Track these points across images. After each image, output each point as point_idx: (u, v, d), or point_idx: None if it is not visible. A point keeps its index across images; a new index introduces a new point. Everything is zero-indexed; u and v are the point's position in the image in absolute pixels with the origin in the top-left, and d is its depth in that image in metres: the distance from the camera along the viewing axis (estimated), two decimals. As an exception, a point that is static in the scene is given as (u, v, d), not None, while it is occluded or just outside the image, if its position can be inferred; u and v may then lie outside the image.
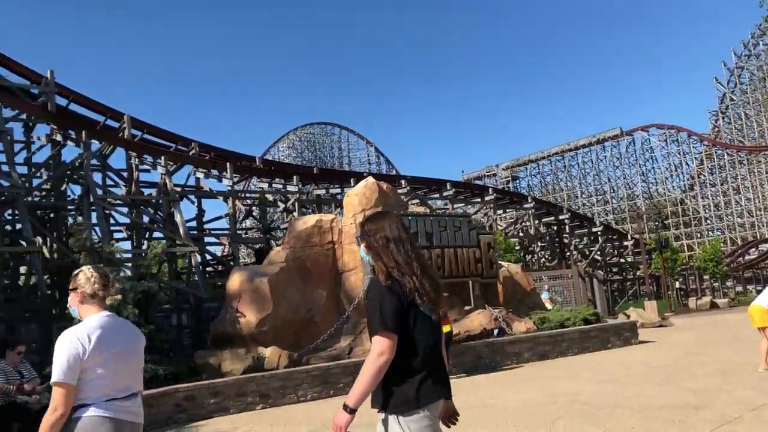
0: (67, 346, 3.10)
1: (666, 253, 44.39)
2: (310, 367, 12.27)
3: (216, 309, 18.76)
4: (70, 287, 3.44)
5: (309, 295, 15.01)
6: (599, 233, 53.24)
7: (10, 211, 26.30)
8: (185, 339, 21.71)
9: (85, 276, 3.41)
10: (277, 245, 18.74)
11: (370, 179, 16.82)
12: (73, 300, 3.40)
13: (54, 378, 3.03)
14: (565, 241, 50.90)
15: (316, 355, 13.93)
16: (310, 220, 16.01)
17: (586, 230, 53.73)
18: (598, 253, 54.10)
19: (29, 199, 28.23)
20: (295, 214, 30.18)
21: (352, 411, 2.81)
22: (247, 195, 35.39)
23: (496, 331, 15.53)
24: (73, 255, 13.68)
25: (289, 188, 32.06)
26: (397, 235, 3.01)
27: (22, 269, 27.52)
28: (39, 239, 27.15)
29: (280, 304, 14.21)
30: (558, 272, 28.02)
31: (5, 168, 23.55)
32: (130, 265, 20.97)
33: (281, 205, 32.99)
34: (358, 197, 16.24)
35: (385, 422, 2.88)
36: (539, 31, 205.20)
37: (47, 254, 27.14)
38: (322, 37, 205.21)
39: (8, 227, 27.28)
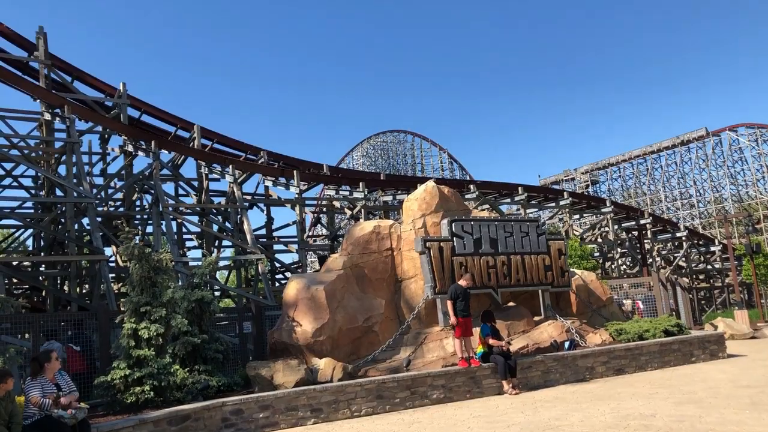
0: None
1: (758, 259, 41.40)
2: (364, 380, 11.69)
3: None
4: None
5: (367, 304, 14.48)
6: (684, 238, 50.47)
7: (87, 222, 27.12)
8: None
9: None
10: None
11: (431, 183, 16.14)
12: None
13: None
14: (647, 247, 48.47)
15: (374, 366, 13.36)
16: (368, 226, 15.48)
17: (669, 235, 51.07)
18: (683, 259, 51.29)
19: (105, 209, 29.13)
20: (362, 220, 29.80)
21: None
22: (315, 203, 35.33)
23: (567, 344, 14.51)
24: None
25: (356, 195, 31.73)
26: None
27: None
28: (113, 248, 27.93)
29: (336, 313, 13.74)
30: (638, 280, 26.43)
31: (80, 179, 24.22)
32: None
33: (348, 212, 32.73)
34: (418, 202, 15.63)
35: None
36: (617, 30, 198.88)
37: (121, 263, 27.81)
38: (394, 47, 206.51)
39: (88, 237, 28.14)
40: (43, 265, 27.60)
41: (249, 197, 32.36)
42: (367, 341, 14.10)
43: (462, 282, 13.38)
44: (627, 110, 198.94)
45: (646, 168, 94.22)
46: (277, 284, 32.41)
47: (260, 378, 11.67)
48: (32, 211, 28.51)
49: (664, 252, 53.68)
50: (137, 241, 11.11)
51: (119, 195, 30.68)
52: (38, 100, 26.06)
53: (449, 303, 12.98)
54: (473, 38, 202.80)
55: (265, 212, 33.70)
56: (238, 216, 28.40)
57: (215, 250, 30.33)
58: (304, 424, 10.68)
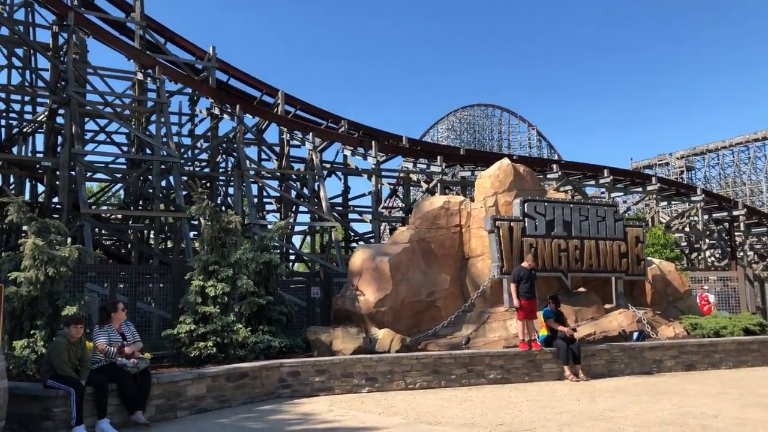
0: None
1: None
2: (421, 354, 11.72)
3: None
4: None
5: (432, 278, 14.43)
6: (781, 233, 47.54)
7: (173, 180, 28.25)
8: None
9: None
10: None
11: (505, 161, 15.82)
12: None
13: None
14: (739, 240, 45.98)
15: (434, 341, 13.36)
16: (437, 201, 15.37)
17: (765, 229, 48.21)
18: (779, 255, 48.37)
19: (191, 168, 30.20)
20: (438, 194, 29.65)
21: None
22: (392, 174, 35.31)
23: (636, 335, 14.03)
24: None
25: (434, 169, 31.54)
26: None
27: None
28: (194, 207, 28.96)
29: (400, 285, 13.77)
30: (723, 274, 25.07)
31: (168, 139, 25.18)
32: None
33: (424, 186, 32.63)
34: (491, 179, 15.35)
35: None
36: (722, 11, 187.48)
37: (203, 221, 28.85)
38: (490, 17, 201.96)
39: (174, 195, 29.35)
40: (131, 220, 29.03)
41: (328, 165, 32.78)
42: (429, 316, 14.10)
43: (525, 264, 13.15)
44: (729, 95, 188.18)
45: (748, 156, 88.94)
46: (350, 252, 32.84)
47: (319, 343, 11.89)
48: (124, 166, 29.95)
49: (758, 246, 50.84)
50: (211, 203, 11.46)
51: (204, 156, 31.74)
52: (132, 60, 27.16)
53: (513, 286, 12.78)
54: (577, 11, 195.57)
55: (342, 181, 34.09)
56: (316, 183, 28.83)
57: (292, 215, 30.97)
58: (358, 391, 10.83)
